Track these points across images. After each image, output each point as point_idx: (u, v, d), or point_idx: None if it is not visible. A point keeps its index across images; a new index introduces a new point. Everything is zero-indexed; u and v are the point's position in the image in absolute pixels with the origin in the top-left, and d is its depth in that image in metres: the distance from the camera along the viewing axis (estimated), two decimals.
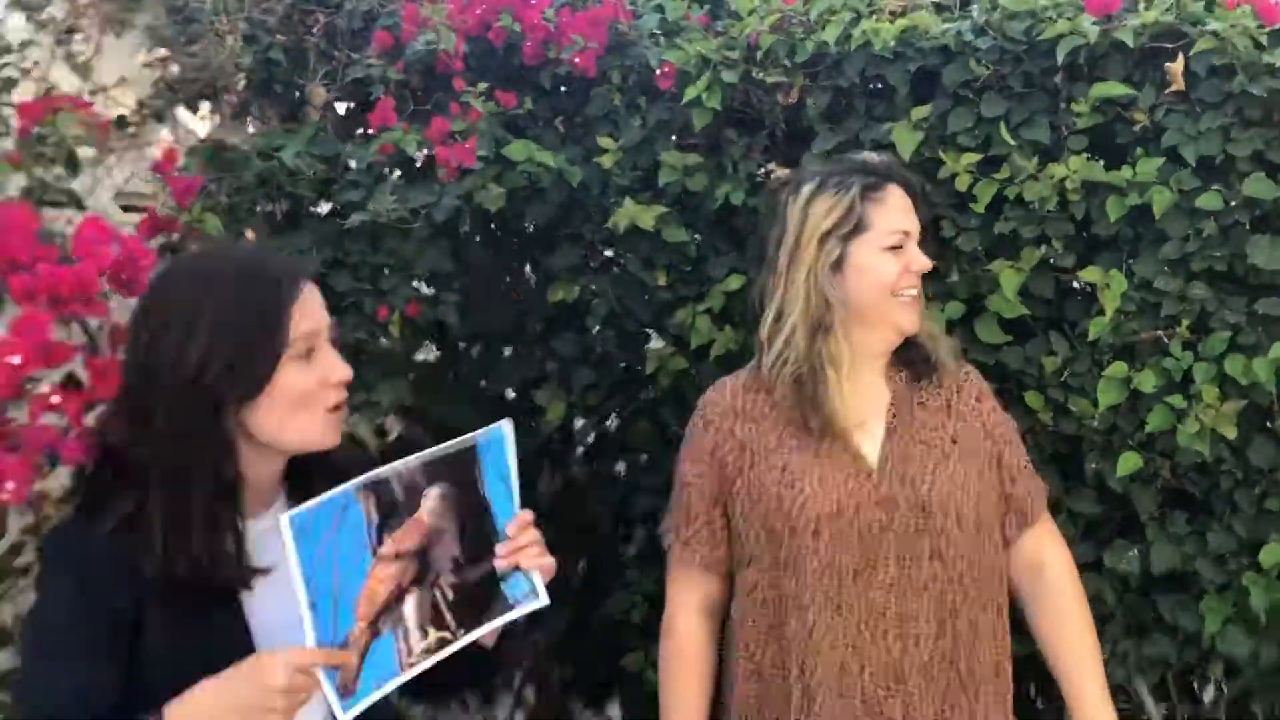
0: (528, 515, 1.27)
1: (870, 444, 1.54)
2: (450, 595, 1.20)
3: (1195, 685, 2.09)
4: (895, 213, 1.54)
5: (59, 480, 1.89)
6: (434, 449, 1.18)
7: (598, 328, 2.21)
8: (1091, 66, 1.86)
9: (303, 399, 1.20)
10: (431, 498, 1.18)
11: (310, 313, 1.22)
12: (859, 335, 1.55)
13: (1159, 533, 1.86)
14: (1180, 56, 1.78)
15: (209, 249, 1.31)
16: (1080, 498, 1.92)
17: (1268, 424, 1.81)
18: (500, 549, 1.24)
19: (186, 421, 1.17)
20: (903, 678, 1.48)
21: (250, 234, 2.08)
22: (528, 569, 1.25)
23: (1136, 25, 1.79)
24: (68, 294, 1.49)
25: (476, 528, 1.23)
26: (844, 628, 1.48)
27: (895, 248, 1.52)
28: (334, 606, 1.11)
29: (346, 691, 1.11)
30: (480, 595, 1.23)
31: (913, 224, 1.55)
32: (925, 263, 1.54)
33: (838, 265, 1.52)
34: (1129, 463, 1.81)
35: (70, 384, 1.57)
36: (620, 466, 2.40)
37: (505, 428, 1.23)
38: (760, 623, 1.55)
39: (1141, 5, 1.84)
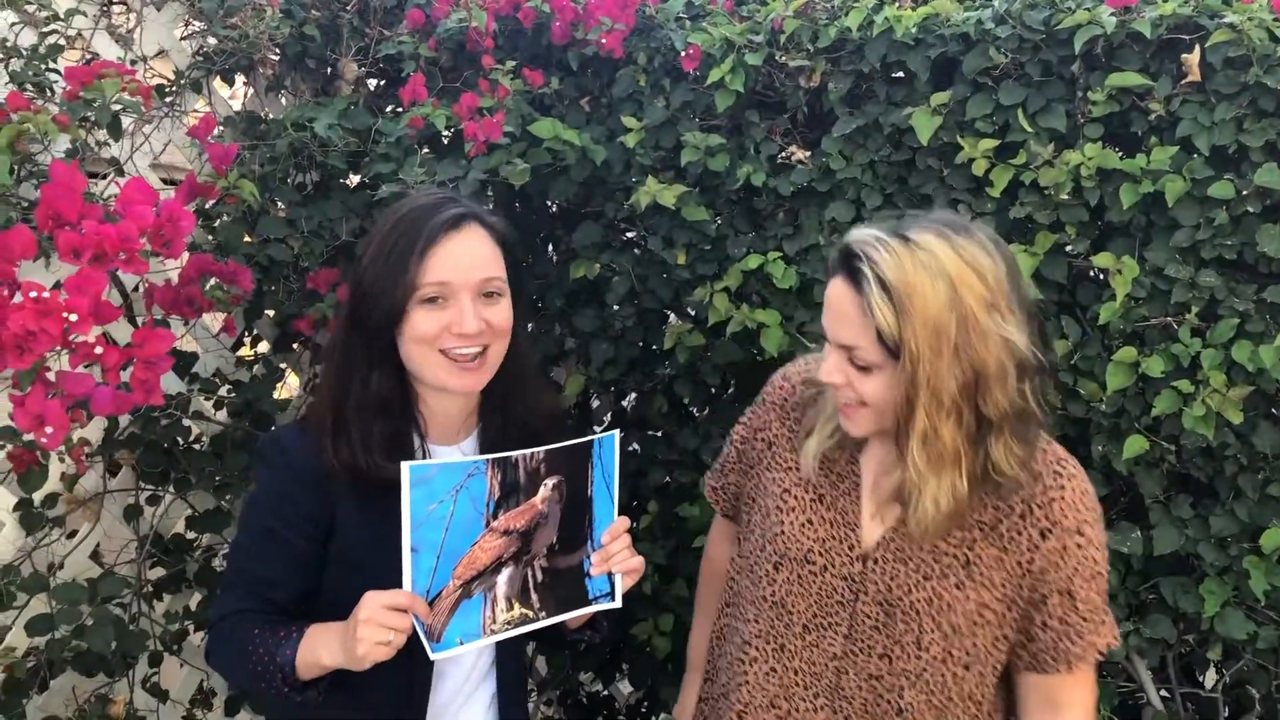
0: (623, 523, 1.36)
1: (878, 522, 1.38)
2: (540, 577, 1.30)
3: (1195, 668, 2.12)
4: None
5: (95, 432, 1.96)
6: (559, 444, 1.28)
7: (617, 305, 2.25)
8: (1109, 56, 1.88)
9: (425, 340, 1.31)
10: (547, 486, 1.27)
11: (446, 263, 1.31)
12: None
13: (1163, 515, 1.89)
14: (1197, 48, 1.81)
15: (424, 192, 1.45)
16: None
17: (1273, 410, 1.83)
18: (595, 557, 1.33)
19: (345, 335, 1.35)
20: None
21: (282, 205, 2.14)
22: (616, 574, 1.35)
23: (1154, 17, 1.82)
24: (111, 251, 1.54)
25: (576, 521, 1.32)
26: (782, 669, 1.43)
27: None
28: (436, 560, 1.20)
29: (432, 636, 1.21)
30: (565, 584, 1.32)
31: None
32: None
33: None
34: (1135, 446, 1.84)
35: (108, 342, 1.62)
36: (634, 446, 2.44)
37: (615, 435, 1.32)
38: (732, 588, 1.58)
39: None
